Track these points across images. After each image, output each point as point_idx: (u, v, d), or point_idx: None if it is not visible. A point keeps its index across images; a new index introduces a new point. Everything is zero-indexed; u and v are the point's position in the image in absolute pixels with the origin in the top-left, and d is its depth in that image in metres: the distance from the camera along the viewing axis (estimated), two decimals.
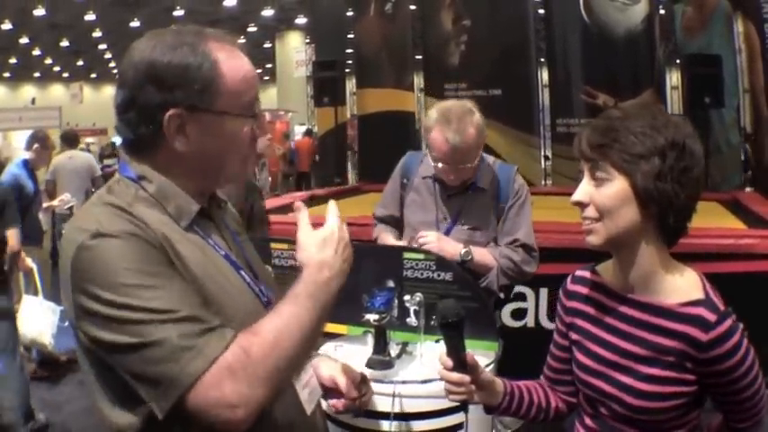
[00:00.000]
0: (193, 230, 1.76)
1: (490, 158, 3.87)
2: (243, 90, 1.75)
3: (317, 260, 1.71)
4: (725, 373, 1.83)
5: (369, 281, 3.26)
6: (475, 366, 2.03)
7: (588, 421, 2.08)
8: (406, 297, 3.20)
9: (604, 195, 1.85)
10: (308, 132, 21.33)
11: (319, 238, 1.75)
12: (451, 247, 3.58)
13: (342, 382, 2.09)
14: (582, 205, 1.90)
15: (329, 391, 2.11)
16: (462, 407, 2.11)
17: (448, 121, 3.47)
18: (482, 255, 3.67)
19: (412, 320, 3.21)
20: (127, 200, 1.69)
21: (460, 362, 2.00)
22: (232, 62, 1.74)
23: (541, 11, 12.18)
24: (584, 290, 2.09)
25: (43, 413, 5.66)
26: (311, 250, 1.73)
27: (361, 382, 2.15)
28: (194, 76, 1.69)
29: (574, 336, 2.10)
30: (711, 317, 1.81)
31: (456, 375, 2.01)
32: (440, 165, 3.59)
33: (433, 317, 3.09)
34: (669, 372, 1.86)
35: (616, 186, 1.83)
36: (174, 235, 1.69)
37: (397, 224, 4.00)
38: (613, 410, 1.95)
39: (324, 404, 2.15)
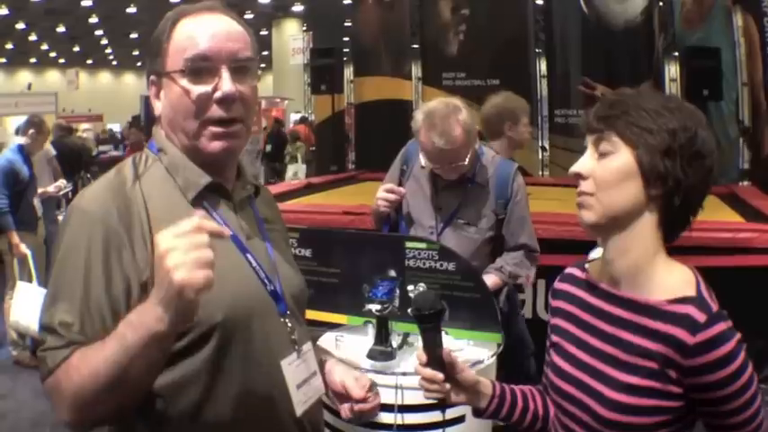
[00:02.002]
0: (201, 206, 1.77)
1: (490, 153, 3.86)
2: (185, 47, 1.74)
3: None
4: (714, 388, 1.62)
5: (370, 270, 3.24)
6: (452, 364, 1.89)
7: None
8: (410, 287, 3.17)
9: (606, 168, 1.72)
10: (303, 120, 21.25)
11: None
12: None
13: (351, 386, 2.03)
14: (581, 177, 1.76)
15: (341, 396, 2.06)
16: (439, 406, 1.97)
17: (432, 124, 3.45)
18: (494, 282, 3.66)
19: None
20: (140, 170, 1.79)
21: (435, 358, 1.88)
22: (187, 24, 1.78)
23: (540, 1, 12.11)
24: (570, 288, 1.97)
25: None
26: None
27: (369, 389, 2.06)
28: (156, 42, 1.81)
29: (554, 338, 1.96)
30: (701, 317, 1.61)
31: (429, 371, 1.88)
32: (432, 165, 3.59)
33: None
34: (650, 381, 1.67)
35: (620, 159, 1.70)
36: (171, 213, 1.67)
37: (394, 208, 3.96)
38: (584, 423, 1.77)
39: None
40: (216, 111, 1.74)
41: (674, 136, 1.67)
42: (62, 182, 8.21)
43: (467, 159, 3.56)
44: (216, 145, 1.77)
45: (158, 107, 1.82)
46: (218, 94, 1.73)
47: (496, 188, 3.73)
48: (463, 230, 3.70)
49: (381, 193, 3.66)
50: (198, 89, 1.73)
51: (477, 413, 2.01)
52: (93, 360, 1.50)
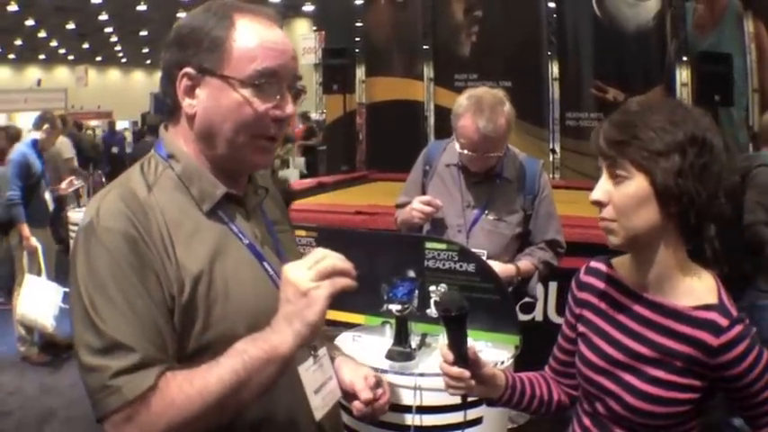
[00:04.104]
0: (216, 216, 1.73)
1: (515, 149, 3.86)
2: (256, 55, 1.67)
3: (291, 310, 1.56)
4: (737, 378, 1.78)
5: (389, 270, 3.21)
6: (476, 361, 2.00)
7: (586, 421, 2.03)
8: (431, 288, 3.15)
9: (623, 194, 1.79)
10: (306, 120, 21.41)
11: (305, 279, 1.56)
12: (507, 271, 3.59)
13: (360, 389, 2.02)
14: (601, 204, 1.84)
15: (350, 395, 2.04)
16: (461, 400, 2.07)
17: (480, 109, 3.43)
18: (527, 268, 3.71)
19: (432, 312, 3.16)
20: (150, 180, 1.70)
21: (462, 356, 1.96)
22: (251, 27, 1.69)
23: (553, 4, 12.13)
24: (597, 282, 2.04)
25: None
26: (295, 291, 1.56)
27: (375, 386, 2.06)
28: (206, 35, 1.68)
29: (581, 328, 2.05)
30: (724, 321, 1.77)
31: (456, 370, 1.97)
32: (466, 152, 3.56)
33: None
34: (674, 376, 1.82)
35: (635, 185, 1.77)
36: (188, 223, 1.67)
37: None
38: (611, 409, 1.91)
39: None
40: (271, 128, 1.72)
41: (684, 154, 1.74)
42: (71, 178, 8.25)
43: (502, 151, 3.60)
44: (261, 158, 1.75)
45: (191, 105, 1.71)
46: (279, 114, 1.71)
47: (524, 184, 3.75)
48: (493, 226, 3.69)
49: (417, 205, 3.59)
50: (262, 104, 1.68)
51: (491, 403, 2.17)
52: (204, 379, 1.50)
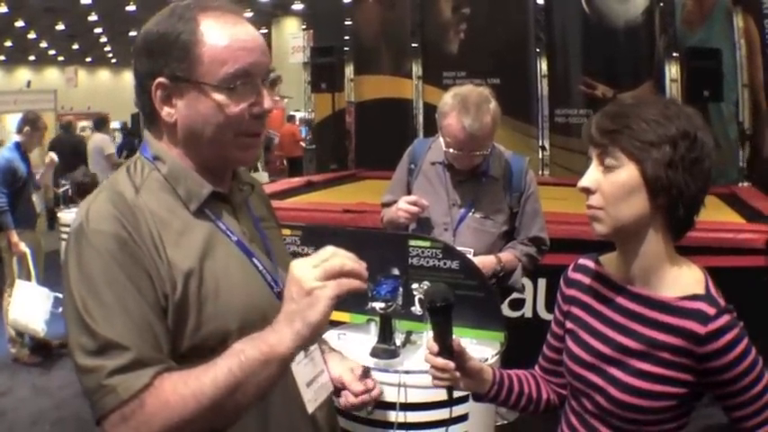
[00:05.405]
0: (203, 214, 1.73)
1: (501, 147, 3.85)
2: (225, 59, 1.66)
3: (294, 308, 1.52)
4: (723, 370, 1.76)
5: (373, 268, 3.20)
6: (461, 353, 2.00)
7: (573, 419, 2.03)
8: (414, 285, 3.16)
9: (612, 183, 1.80)
10: (290, 119, 21.39)
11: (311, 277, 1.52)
12: (488, 262, 3.58)
13: (349, 381, 2.05)
14: (588, 192, 1.85)
15: (337, 389, 2.06)
16: (447, 394, 2.08)
17: (466, 108, 3.43)
18: (509, 259, 3.71)
19: (416, 309, 3.18)
20: (137, 182, 1.70)
21: (446, 347, 1.97)
22: (218, 29, 1.68)
23: (541, 1, 12.12)
24: (584, 279, 2.05)
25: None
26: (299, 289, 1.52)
27: (362, 376, 2.08)
28: (174, 43, 1.67)
29: (569, 324, 2.06)
30: (711, 310, 1.76)
31: (441, 361, 1.98)
32: (452, 150, 3.55)
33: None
34: (660, 369, 1.81)
35: (625, 174, 1.78)
36: (177, 223, 1.67)
37: None
38: (597, 405, 1.91)
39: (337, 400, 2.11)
40: (252, 125, 1.72)
41: (676, 146, 1.75)
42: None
43: (488, 150, 3.60)
44: (245, 155, 1.76)
45: (170, 114, 1.71)
46: (258, 111, 1.71)
47: (510, 182, 3.74)
48: (480, 224, 3.69)
49: (403, 205, 3.60)
50: (238, 105, 1.68)
51: (478, 398, 2.17)
52: (198, 380, 1.48)
